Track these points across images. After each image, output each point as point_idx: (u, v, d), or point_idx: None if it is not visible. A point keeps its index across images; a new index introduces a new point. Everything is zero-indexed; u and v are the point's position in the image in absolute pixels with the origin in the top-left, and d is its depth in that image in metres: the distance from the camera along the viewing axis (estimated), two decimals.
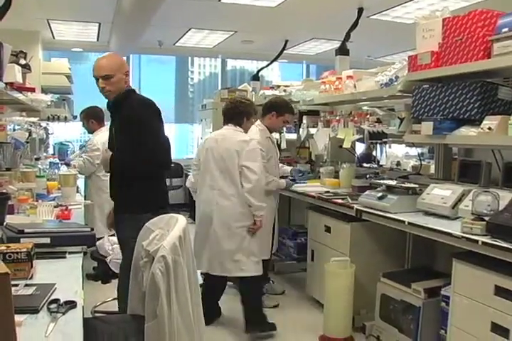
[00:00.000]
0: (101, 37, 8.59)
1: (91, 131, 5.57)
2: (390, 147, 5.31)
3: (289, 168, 4.97)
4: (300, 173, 4.89)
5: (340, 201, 4.04)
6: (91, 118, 5.52)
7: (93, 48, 9.44)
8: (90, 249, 3.74)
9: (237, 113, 3.97)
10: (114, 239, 3.66)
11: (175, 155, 10.49)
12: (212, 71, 11.62)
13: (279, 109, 4.50)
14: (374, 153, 5.45)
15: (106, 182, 3.83)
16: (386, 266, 3.86)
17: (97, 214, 5.34)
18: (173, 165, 9.32)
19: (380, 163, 5.64)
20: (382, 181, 3.89)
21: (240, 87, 7.55)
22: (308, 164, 5.85)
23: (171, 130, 11.21)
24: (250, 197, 3.81)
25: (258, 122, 4.49)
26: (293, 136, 5.87)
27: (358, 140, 4.87)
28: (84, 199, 4.76)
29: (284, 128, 5.33)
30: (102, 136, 5.12)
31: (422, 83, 3.45)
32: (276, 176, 4.49)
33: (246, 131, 4.04)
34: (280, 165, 4.75)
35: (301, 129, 5.42)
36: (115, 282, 3.52)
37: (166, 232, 2.09)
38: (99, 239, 3.98)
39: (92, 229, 2.51)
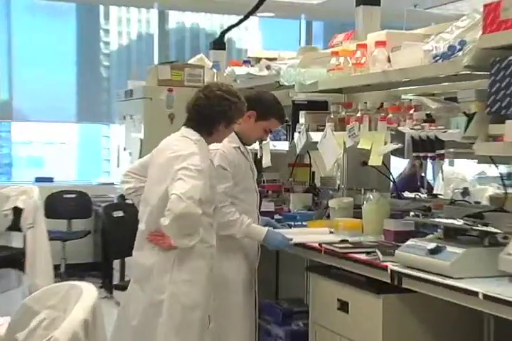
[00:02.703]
0: None
1: None
2: (450, 164, 4.29)
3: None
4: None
5: (363, 257, 3.53)
6: None
7: None
8: None
9: (207, 115, 3.53)
10: None
11: (77, 176, 8.70)
12: (144, 31, 9.40)
13: (261, 108, 3.94)
14: (422, 175, 4.61)
15: None
16: None
17: None
18: (74, 195, 7.80)
19: (434, 192, 5.06)
20: (437, 220, 3.56)
21: (191, 61, 6.54)
22: (310, 193, 4.91)
23: (70, 134, 8.87)
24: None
25: None
26: (283, 146, 4.84)
27: (394, 152, 4.08)
28: None
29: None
30: None
31: (507, 53, 3.02)
32: (252, 211, 3.93)
33: (215, 142, 3.70)
34: None
35: (296, 134, 4.57)
36: None
37: (60, 314, 1.93)
38: None
39: None
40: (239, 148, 3.86)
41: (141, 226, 3.41)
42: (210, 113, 3.46)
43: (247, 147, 3.99)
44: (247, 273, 3.91)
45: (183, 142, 3.44)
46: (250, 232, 3.77)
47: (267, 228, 3.84)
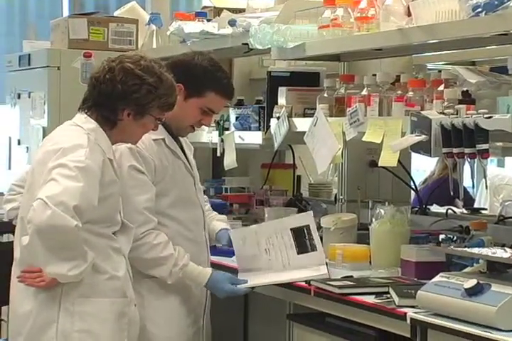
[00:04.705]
0: None
1: None
2: (499, 165, 4.40)
3: (219, 226, 3.53)
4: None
5: (371, 301, 3.01)
6: None
7: None
8: None
9: (105, 94, 2.96)
10: None
11: None
12: None
13: (190, 79, 3.22)
14: (458, 180, 3.47)
15: None
16: None
17: None
18: None
19: (475, 205, 4.80)
20: (476, 251, 3.02)
21: (118, 13, 5.72)
22: (294, 207, 4.24)
23: None
24: None
25: None
26: (254, 139, 4.15)
27: (417, 148, 3.33)
28: None
29: (232, 119, 4.07)
30: None
31: None
32: (193, 237, 3.25)
33: (126, 140, 3.00)
34: (213, 214, 3.59)
35: (273, 121, 3.94)
36: None
37: None
38: None
39: None
40: (163, 140, 3.18)
41: (16, 254, 2.89)
42: (110, 91, 2.90)
43: (185, 139, 3.34)
44: (185, 326, 3.20)
45: (71, 132, 2.92)
46: (186, 277, 3.14)
47: (210, 270, 3.16)
